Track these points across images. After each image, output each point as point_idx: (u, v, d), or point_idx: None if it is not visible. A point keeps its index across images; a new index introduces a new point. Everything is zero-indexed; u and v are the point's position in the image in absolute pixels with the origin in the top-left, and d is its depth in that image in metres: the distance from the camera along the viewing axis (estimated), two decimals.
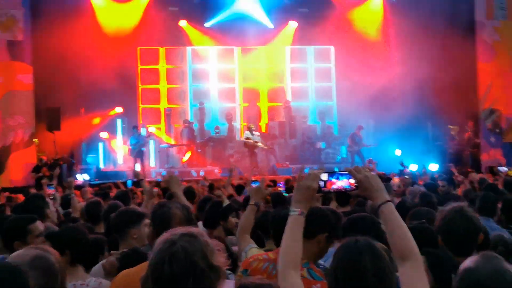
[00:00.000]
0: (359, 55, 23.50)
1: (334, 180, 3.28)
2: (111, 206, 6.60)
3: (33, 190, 12.71)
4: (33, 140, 21.01)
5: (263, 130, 24.40)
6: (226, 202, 8.75)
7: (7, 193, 13.94)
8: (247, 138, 21.57)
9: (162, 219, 4.01)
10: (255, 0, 23.82)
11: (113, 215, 5.34)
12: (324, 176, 3.29)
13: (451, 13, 21.72)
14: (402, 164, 17.28)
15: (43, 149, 21.24)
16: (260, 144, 21.60)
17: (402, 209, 5.16)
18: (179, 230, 2.60)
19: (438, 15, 21.89)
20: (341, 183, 3.27)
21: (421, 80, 21.62)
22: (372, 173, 3.19)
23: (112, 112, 23.43)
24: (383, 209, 3.06)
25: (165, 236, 2.58)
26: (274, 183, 14.28)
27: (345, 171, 3.26)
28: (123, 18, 22.98)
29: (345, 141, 23.45)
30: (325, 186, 3.29)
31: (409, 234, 2.99)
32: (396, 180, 13.54)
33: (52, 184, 10.30)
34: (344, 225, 4.29)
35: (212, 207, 6.41)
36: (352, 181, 3.21)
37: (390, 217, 3.03)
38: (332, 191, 3.33)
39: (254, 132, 21.74)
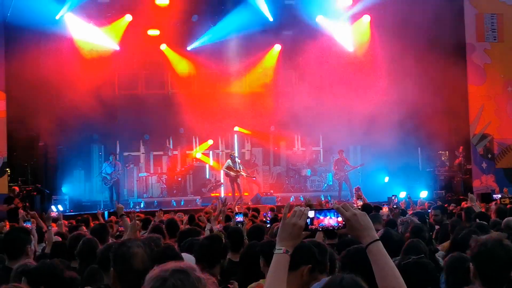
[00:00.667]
0: (347, 80, 22.94)
1: (321, 217, 3.23)
2: (85, 243, 6.36)
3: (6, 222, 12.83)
4: (5, 169, 20.12)
5: (246, 157, 23.72)
6: (207, 233, 8.48)
7: None
8: (229, 167, 20.70)
9: (122, 259, 3.86)
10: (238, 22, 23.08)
11: (99, 250, 5.25)
12: (311, 213, 3.23)
13: (441, 36, 21.31)
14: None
15: (15, 179, 20.47)
16: (242, 173, 20.81)
17: (387, 240, 5.24)
18: (170, 265, 2.55)
19: (428, 38, 21.50)
20: (329, 220, 3.23)
21: (411, 104, 21.17)
22: (360, 211, 3.17)
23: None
24: (372, 248, 3.07)
25: (156, 272, 2.53)
26: (258, 212, 14.08)
27: (333, 208, 3.22)
28: (102, 41, 22.26)
29: (331, 168, 22.79)
30: (311, 223, 3.23)
31: (398, 273, 3.02)
32: (385, 209, 12.89)
33: (28, 220, 10.08)
34: (342, 259, 4.30)
35: (214, 243, 5.68)
36: (340, 219, 3.18)
37: (378, 257, 3.05)
38: (319, 229, 3.27)
39: (236, 160, 20.92)
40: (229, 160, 21.04)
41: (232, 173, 20.62)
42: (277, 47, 23.65)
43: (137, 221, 7.74)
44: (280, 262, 3.16)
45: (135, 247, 3.89)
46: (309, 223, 3.21)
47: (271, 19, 22.72)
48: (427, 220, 9.79)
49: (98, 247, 5.92)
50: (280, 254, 3.16)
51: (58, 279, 4.47)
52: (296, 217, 3.18)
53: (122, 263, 3.86)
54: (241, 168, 21.03)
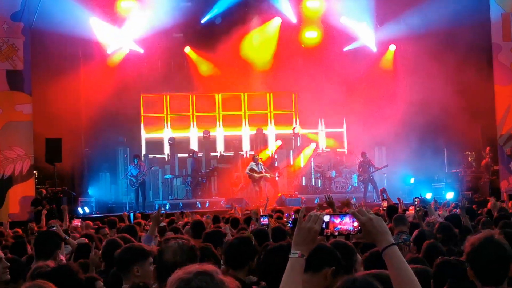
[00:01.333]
0: (372, 81, 22.83)
1: (337, 221, 3.24)
2: (109, 244, 6.45)
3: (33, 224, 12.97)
4: (33, 172, 20.31)
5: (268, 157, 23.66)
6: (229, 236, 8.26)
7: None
8: (252, 170, 20.69)
9: (159, 253, 4.05)
10: None
11: (117, 252, 5.25)
12: (326, 218, 3.23)
13: (466, 36, 21.01)
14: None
15: (42, 182, 20.64)
16: (266, 174, 20.81)
17: (421, 241, 5.95)
18: (193, 268, 2.57)
19: (453, 38, 21.33)
20: (344, 225, 3.24)
21: (436, 105, 20.98)
22: (376, 215, 3.17)
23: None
24: (387, 252, 3.07)
25: (179, 274, 2.54)
26: (282, 213, 13.89)
27: (349, 213, 3.23)
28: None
29: (356, 169, 22.62)
30: (327, 227, 3.22)
31: (414, 277, 3.03)
32: (411, 210, 12.78)
33: (54, 226, 10.00)
34: (364, 261, 4.33)
35: (242, 244, 5.52)
36: (356, 223, 3.19)
37: (394, 261, 3.04)
38: (335, 233, 3.27)
39: (259, 162, 20.90)
40: (252, 163, 21.04)
41: (255, 175, 20.61)
42: None
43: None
44: (295, 265, 3.17)
45: (172, 241, 4.01)
46: (324, 228, 3.22)
47: (294, 20, 22.85)
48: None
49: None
50: (295, 258, 3.17)
51: (73, 282, 4.45)
52: (311, 221, 3.18)
53: (159, 256, 4.01)
54: (264, 170, 21.02)
